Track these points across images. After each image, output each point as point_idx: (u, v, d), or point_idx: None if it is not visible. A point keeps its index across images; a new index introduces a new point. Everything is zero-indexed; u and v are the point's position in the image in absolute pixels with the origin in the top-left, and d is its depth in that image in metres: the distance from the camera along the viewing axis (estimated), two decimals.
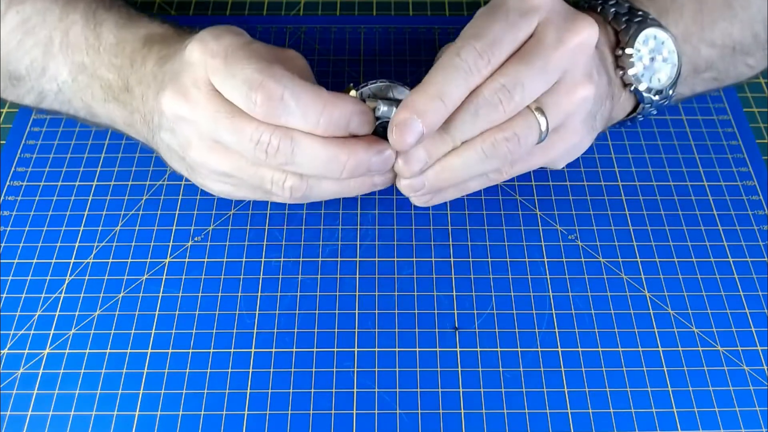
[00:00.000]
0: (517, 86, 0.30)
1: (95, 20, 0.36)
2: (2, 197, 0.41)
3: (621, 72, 0.36)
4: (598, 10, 0.37)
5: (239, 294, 0.37)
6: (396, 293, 0.37)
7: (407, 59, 0.48)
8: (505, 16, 0.30)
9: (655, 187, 0.41)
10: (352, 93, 0.32)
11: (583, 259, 0.38)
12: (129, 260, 0.38)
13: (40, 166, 0.42)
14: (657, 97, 0.37)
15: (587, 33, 0.31)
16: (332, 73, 0.47)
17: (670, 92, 0.37)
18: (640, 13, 0.36)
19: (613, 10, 0.36)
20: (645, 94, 0.36)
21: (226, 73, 0.30)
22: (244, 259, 0.38)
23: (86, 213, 0.40)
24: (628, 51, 0.35)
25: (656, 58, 0.36)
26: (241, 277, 0.38)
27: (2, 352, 0.35)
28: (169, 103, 0.32)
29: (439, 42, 0.49)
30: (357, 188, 0.34)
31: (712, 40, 0.38)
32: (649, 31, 0.35)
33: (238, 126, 0.30)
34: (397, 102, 0.32)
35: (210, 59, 0.30)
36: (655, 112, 0.38)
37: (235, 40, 0.31)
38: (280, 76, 0.29)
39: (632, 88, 0.36)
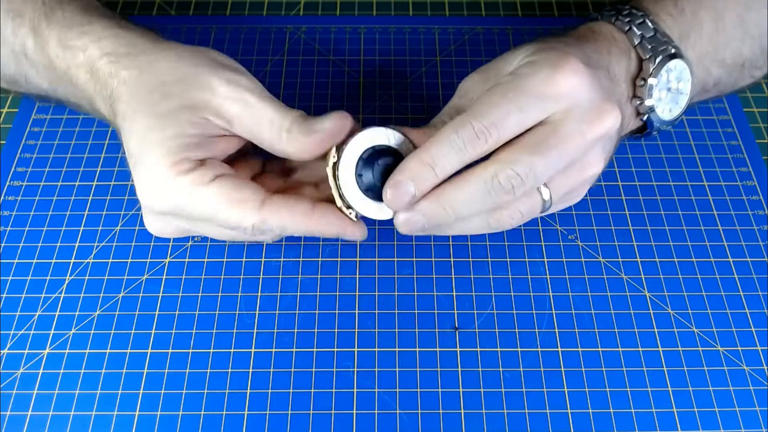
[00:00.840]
0: (531, 176, 0.29)
1: (41, 38, 0.35)
2: (2, 197, 0.41)
3: (637, 102, 0.34)
4: (625, 30, 0.34)
5: (239, 294, 0.37)
6: (396, 293, 0.37)
7: (407, 59, 0.48)
8: (517, 98, 0.29)
9: (655, 187, 0.41)
10: (332, 156, 0.31)
11: (583, 259, 0.38)
12: (129, 260, 0.38)
13: (40, 166, 0.42)
14: (666, 127, 0.36)
15: (610, 124, 0.30)
16: (332, 73, 0.47)
17: (676, 122, 0.36)
18: (665, 40, 0.34)
19: (639, 32, 0.34)
20: (656, 124, 0.35)
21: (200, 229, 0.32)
22: (244, 259, 0.38)
23: (86, 213, 0.40)
24: (648, 83, 0.33)
25: (671, 88, 0.34)
26: (241, 277, 0.38)
27: (2, 352, 0.35)
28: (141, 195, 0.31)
29: (440, 42, 0.49)
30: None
31: (723, 59, 0.36)
32: (673, 63, 0.34)
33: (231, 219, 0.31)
34: (384, 154, 0.31)
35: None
36: (656, 134, 0.37)
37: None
38: (267, 217, 0.30)
39: (644, 117, 0.35)
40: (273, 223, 0.30)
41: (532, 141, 0.29)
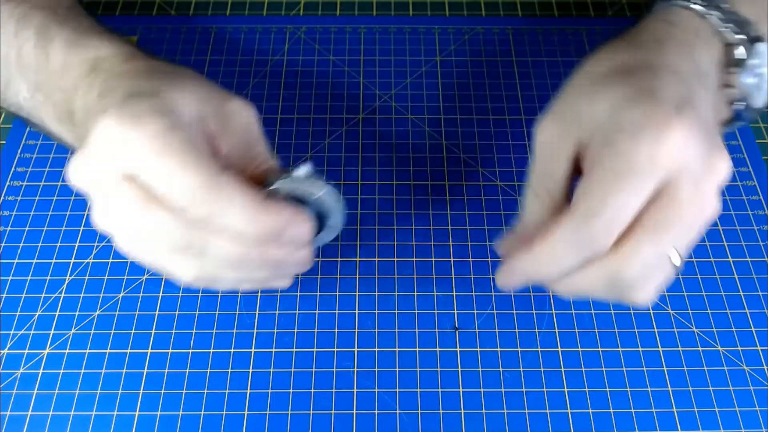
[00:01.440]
0: (659, 256, 0.27)
1: (46, 38, 0.34)
2: (2, 197, 0.41)
3: (730, 90, 0.31)
4: (703, 15, 0.32)
5: (239, 294, 0.37)
6: (396, 293, 0.37)
7: (407, 59, 0.48)
8: (629, 182, 0.26)
9: None
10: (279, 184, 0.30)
11: None
12: (129, 260, 0.38)
13: (40, 166, 0.42)
14: (754, 115, 0.33)
15: (725, 173, 0.28)
16: (332, 73, 0.47)
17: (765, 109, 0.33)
18: (746, 22, 0.31)
19: (720, 16, 0.31)
20: (745, 113, 0.32)
21: (157, 169, 0.27)
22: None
23: (86, 213, 0.40)
24: (739, 72, 0.31)
25: (759, 74, 0.31)
26: None
27: (2, 352, 0.35)
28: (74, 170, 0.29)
29: (440, 42, 0.49)
30: (262, 281, 0.33)
31: None
32: (759, 46, 0.31)
33: (153, 218, 0.27)
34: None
35: (132, 146, 0.27)
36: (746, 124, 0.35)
37: (160, 124, 0.27)
38: (220, 185, 0.27)
39: (735, 106, 0.32)
40: (224, 189, 0.27)
41: (652, 222, 0.27)
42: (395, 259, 0.38)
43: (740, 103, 0.31)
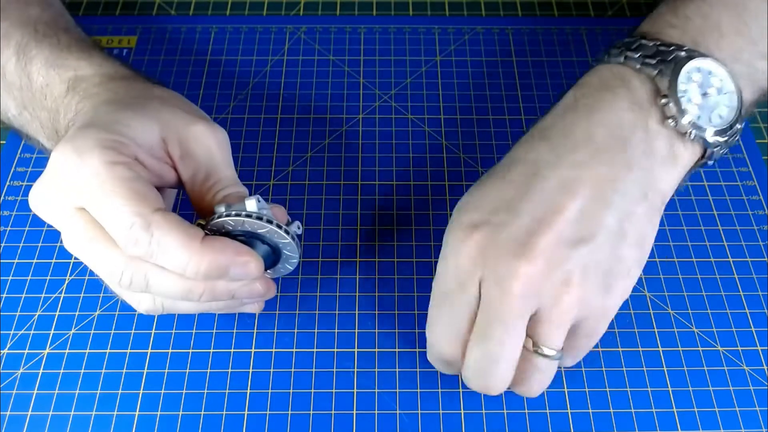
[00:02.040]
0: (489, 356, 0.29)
1: (26, 57, 0.34)
2: (2, 197, 0.41)
3: (672, 123, 0.29)
4: (622, 60, 0.31)
5: None
6: (396, 294, 0.37)
7: (407, 59, 0.48)
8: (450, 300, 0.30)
9: None
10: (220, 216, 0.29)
11: None
12: None
13: (40, 166, 0.42)
14: (724, 138, 0.30)
15: (521, 273, 0.27)
16: (332, 73, 0.47)
17: (738, 126, 0.30)
18: (672, 48, 0.30)
19: (638, 55, 0.30)
20: (710, 139, 0.30)
21: (96, 206, 0.27)
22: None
23: None
24: (672, 97, 0.29)
25: (709, 93, 0.30)
26: None
27: (2, 352, 0.35)
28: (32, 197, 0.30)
29: (440, 42, 0.49)
30: (224, 308, 0.33)
31: (764, 52, 0.32)
32: (690, 65, 0.30)
33: (94, 254, 0.28)
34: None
35: (81, 179, 0.27)
36: (726, 153, 0.32)
37: (101, 159, 0.27)
38: (153, 222, 0.27)
39: (692, 136, 0.29)
40: (156, 232, 0.26)
41: (475, 328, 0.29)
42: (395, 260, 0.38)
43: (695, 131, 0.29)
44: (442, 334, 0.30)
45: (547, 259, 0.27)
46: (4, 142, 0.43)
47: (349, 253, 0.39)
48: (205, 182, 0.31)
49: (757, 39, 0.32)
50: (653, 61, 0.30)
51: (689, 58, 0.30)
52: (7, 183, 0.41)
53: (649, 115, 0.30)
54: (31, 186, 0.41)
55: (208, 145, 0.31)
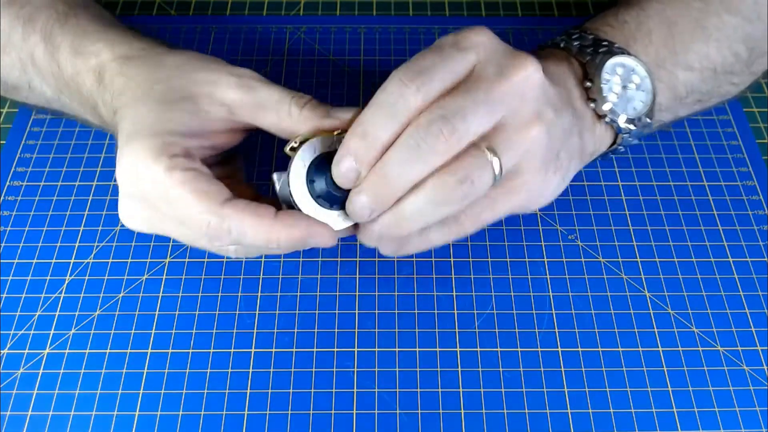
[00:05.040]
0: (458, 116, 0.28)
1: (53, 45, 0.35)
2: (2, 197, 0.41)
3: (593, 104, 0.34)
4: (561, 45, 0.36)
5: (239, 294, 0.37)
6: (396, 293, 0.37)
7: (407, 59, 0.48)
8: (439, 50, 0.29)
9: (655, 187, 0.41)
10: (293, 142, 0.31)
11: (583, 259, 0.38)
12: (129, 260, 0.38)
13: (40, 166, 0.42)
14: (635, 127, 0.35)
15: (531, 69, 0.30)
16: (332, 73, 0.47)
17: (648, 120, 0.35)
18: (605, 43, 0.35)
19: (576, 43, 0.35)
20: (622, 125, 0.34)
21: (172, 212, 0.30)
22: (244, 259, 0.38)
23: (86, 213, 0.40)
24: (596, 82, 0.34)
25: (629, 87, 0.34)
26: (241, 277, 0.38)
27: (2, 352, 0.35)
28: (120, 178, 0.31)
29: None
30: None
31: (688, 63, 0.36)
32: (616, 60, 0.34)
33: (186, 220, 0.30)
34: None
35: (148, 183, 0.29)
36: (636, 142, 0.36)
37: (158, 169, 0.29)
38: (225, 216, 0.29)
39: (607, 119, 0.34)
40: (232, 224, 0.29)
41: (457, 88, 0.29)
42: (395, 259, 0.38)
43: (610, 115, 0.34)
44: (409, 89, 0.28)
45: (538, 79, 0.30)
46: (4, 142, 0.43)
47: (349, 253, 0.39)
48: (278, 107, 0.31)
49: (680, 51, 0.36)
50: (588, 50, 0.35)
51: (617, 54, 0.34)
52: (7, 183, 0.41)
53: (579, 91, 0.34)
54: (31, 186, 0.41)
55: (244, 86, 0.31)
